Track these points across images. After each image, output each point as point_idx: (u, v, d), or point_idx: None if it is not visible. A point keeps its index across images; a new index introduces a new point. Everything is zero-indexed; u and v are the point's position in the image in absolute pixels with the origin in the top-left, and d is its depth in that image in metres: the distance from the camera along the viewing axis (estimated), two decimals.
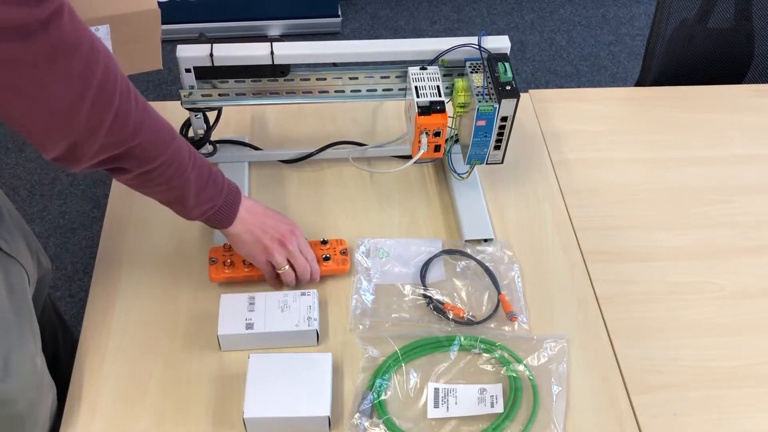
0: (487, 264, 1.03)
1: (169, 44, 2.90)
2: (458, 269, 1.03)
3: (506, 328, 0.97)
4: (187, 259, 1.03)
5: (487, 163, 1.05)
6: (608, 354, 0.96)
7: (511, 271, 1.03)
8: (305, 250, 0.98)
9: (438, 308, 0.98)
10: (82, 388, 0.89)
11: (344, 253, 1.02)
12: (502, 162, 1.06)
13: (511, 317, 0.97)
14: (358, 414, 0.87)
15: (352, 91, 1.07)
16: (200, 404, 0.89)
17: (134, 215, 1.08)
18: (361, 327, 0.96)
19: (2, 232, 0.85)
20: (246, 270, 0.98)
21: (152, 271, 1.01)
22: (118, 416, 0.87)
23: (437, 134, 0.99)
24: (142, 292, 0.99)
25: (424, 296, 1.00)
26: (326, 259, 1.01)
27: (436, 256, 1.04)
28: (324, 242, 1.03)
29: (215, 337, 0.93)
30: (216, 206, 0.89)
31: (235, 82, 1.04)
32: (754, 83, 1.49)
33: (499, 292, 1.00)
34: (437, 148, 1.01)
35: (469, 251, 1.05)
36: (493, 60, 1.00)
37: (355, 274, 1.02)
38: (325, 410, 0.84)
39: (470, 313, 0.98)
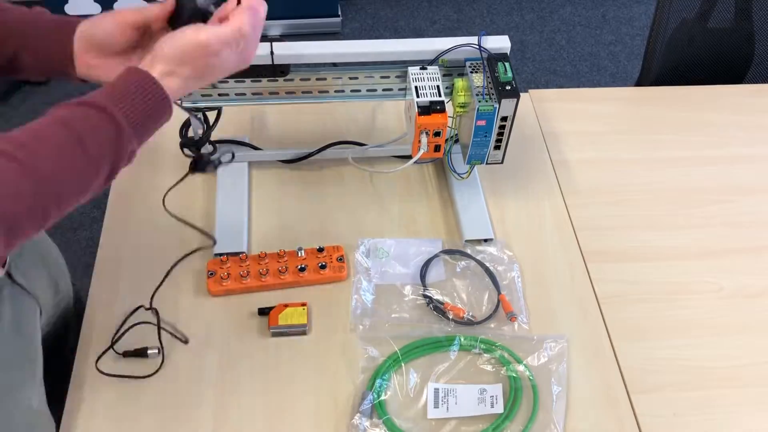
0: (487, 264, 1.03)
1: None
2: (458, 269, 1.03)
3: (506, 328, 0.97)
4: (187, 260, 1.03)
5: (487, 163, 1.05)
6: (608, 354, 0.96)
7: (511, 271, 1.03)
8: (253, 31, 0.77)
9: (438, 308, 0.98)
10: (82, 389, 0.89)
11: (341, 260, 1.02)
12: (502, 162, 1.06)
13: (511, 317, 0.97)
14: (358, 414, 0.87)
15: (351, 91, 1.07)
16: (201, 405, 0.89)
17: (134, 215, 1.08)
18: (361, 327, 0.96)
19: (21, 264, 0.84)
20: (244, 282, 0.98)
21: (152, 271, 1.01)
22: (118, 417, 0.87)
23: (437, 134, 0.99)
24: (142, 292, 0.99)
25: (424, 296, 1.00)
26: (322, 267, 1.00)
27: (435, 256, 1.04)
28: (320, 250, 1.03)
29: (215, 337, 0.93)
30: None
31: (234, 81, 1.04)
32: (754, 83, 1.49)
33: (499, 292, 1.00)
34: (437, 148, 1.01)
35: (469, 251, 1.05)
36: (493, 60, 1.00)
37: (355, 275, 1.02)
38: None
39: (470, 313, 0.98)
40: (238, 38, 0.75)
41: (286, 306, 0.96)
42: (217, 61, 0.76)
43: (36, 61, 0.81)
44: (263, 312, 0.97)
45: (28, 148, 0.64)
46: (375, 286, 1.01)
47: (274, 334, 0.95)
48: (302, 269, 1.00)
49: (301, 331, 0.95)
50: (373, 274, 1.02)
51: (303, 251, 1.02)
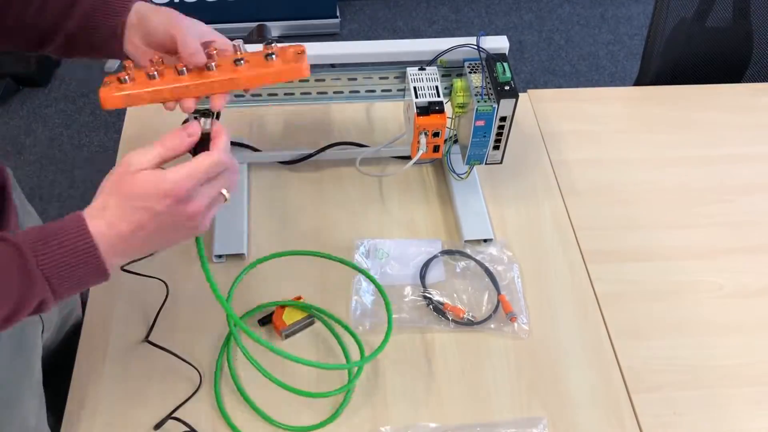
0: (486, 264, 1.03)
1: None
2: (458, 270, 1.03)
3: (506, 328, 0.97)
4: (186, 259, 1.03)
5: (486, 164, 1.05)
6: (608, 354, 0.96)
7: (511, 272, 1.03)
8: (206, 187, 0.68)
9: (438, 309, 0.98)
10: (82, 389, 0.89)
11: (301, 54, 0.76)
12: (501, 162, 1.06)
13: (511, 317, 0.97)
14: None
15: (350, 92, 1.07)
16: (201, 405, 0.88)
17: None
18: (360, 328, 0.96)
19: None
20: (152, 82, 0.73)
21: (151, 271, 1.01)
22: (118, 417, 0.87)
23: (436, 134, 0.99)
24: (142, 292, 0.99)
25: (424, 297, 0.99)
26: (269, 57, 0.74)
27: (435, 256, 1.04)
28: (269, 43, 0.75)
29: (216, 336, 0.93)
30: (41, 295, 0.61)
31: None
32: (752, 82, 1.49)
33: (498, 293, 1.00)
34: (436, 149, 1.01)
35: (468, 251, 1.05)
36: (491, 60, 1.00)
37: (355, 275, 1.01)
38: None
39: (470, 314, 0.98)
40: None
41: (283, 308, 0.96)
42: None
43: (85, 35, 0.78)
44: (263, 322, 0.96)
45: None
46: (375, 287, 1.01)
47: (287, 335, 0.95)
48: (238, 62, 0.74)
49: (309, 322, 0.95)
50: (373, 275, 1.02)
51: (242, 48, 0.76)
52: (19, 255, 0.60)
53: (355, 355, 0.93)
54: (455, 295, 1.00)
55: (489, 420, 0.88)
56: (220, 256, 1.02)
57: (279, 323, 0.94)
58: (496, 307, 0.99)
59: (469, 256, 1.04)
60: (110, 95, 0.72)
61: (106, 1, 0.78)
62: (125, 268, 1.00)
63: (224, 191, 0.69)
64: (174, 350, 0.92)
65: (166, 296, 0.98)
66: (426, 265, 1.03)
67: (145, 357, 0.92)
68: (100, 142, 2.30)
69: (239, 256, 1.03)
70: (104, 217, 0.64)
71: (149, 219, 0.64)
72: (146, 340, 0.94)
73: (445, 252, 1.05)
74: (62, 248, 0.62)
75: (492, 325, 0.97)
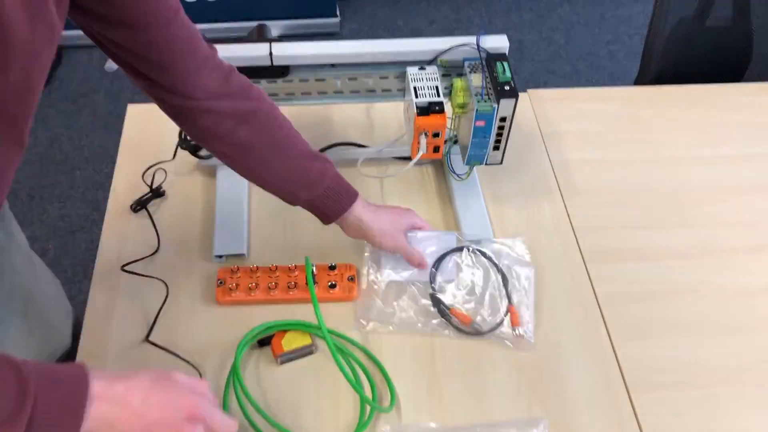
0: (503, 271, 1.01)
1: None
2: (472, 272, 1.01)
3: (509, 343, 0.96)
4: (186, 260, 1.03)
5: (486, 164, 1.05)
6: (608, 354, 0.96)
7: (528, 281, 1.00)
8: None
9: (444, 312, 0.97)
10: None
11: (352, 279, 0.99)
12: (501, 162, 1.06)
13: (517, 332, 0.95)
14: None
15: (350, 91, 1.07)
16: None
17: (134, 218, 1.08)
18: (363, 321, 0.96)
19: None
20: (252, 295, 0.97)
21: (151, 271, 1.01)
22: None
23: (436, 135, 0.99)
24: (142, 292, 0.99)
25: (432, 297, 0.98)
26: (332, 286, 0.98)
27: (448, 253, 1.02)
28: (332, 267, 1.00)
29: (215, 336, 0.93)
30: None
31: None
32: (752, 82, 1.49)
33: (509, 303, 0.98)
34: (436, 149, 1.01)
35: (488, 252, 1.02)
36: (491, 60, 1.00)
37: (364, 266, 1.01)
38: None
39: (477, 322, 0.96)
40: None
41: (285, 331, 0.94)
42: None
43: (310, 206, 0.95)
44: (263, 343, 0.94)
45: None
46: (383, 283, 1.00)
47: (283, 361, 0.93)
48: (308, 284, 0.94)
49: (308, 351, 0.93)
50: (383, 270, 1.01)
51: (314, 267, 0.99)
52: (22, 381, 0.60)
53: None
54: (464, 299, 0.99)
55: (489, 420, 0.88)
56: (220, 256, 1.02)
57: (277, 347, 0.92)
58: (503, 319, 0.96)
59: (488, 257, 1.02)
60: (223, 298, 0.97)
61: (332, 195, 0.93)
62: (125, 268, 1.00)
63: None
64: (174, 350, 0.93)
65: (166, 296, 0.98)
66: (438, 262, 1.01)
67: (145, 357, 0.92)
68: (100, 142, 2.30)
69: (239, 256, 1.03)
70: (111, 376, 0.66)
71: (148, 377, 0.67)
72: (146, 340, 0.94)
73: (459, 249, 1.02)
74: (59, 393, 0.62)
75: (493, 338, 0.95)
